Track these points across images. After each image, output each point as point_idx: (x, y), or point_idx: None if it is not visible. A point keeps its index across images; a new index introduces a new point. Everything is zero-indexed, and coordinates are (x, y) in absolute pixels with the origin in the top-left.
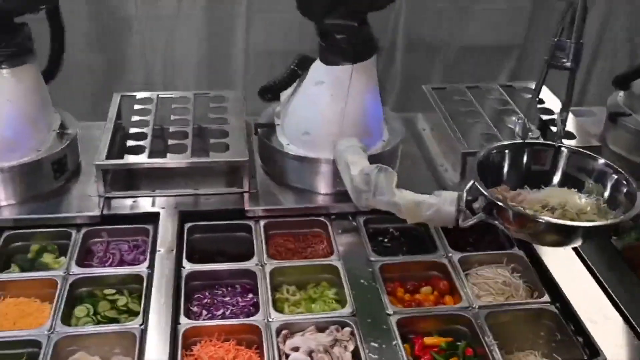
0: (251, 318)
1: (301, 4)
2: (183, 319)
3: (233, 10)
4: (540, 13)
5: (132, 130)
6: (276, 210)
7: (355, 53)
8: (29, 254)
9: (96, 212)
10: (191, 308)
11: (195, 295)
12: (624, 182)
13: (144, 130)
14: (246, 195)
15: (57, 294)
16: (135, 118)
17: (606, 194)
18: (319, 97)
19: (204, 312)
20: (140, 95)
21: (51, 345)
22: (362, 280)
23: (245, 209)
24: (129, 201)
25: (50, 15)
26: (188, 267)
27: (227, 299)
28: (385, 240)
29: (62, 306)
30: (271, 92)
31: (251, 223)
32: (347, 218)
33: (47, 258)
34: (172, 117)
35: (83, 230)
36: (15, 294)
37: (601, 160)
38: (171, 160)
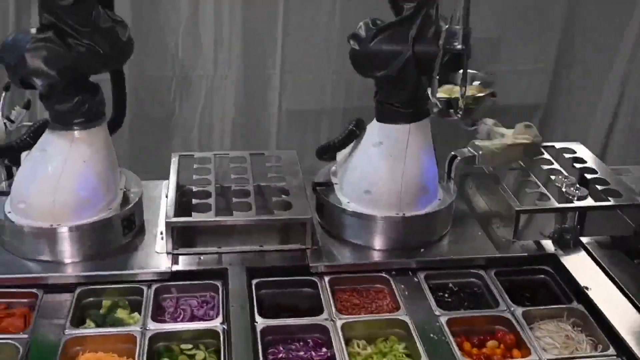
0: None
1: (357, 63)
2: None
3: (267, 71)
4: (562, 72)
5: (196, 188)
6: (339, 266)
7: (412, 113)
8: (101, 310)
9: (166, 269)
10: None
11: (270, 350)
12: None
13: (207, 188)
14: (308, 252)
15: (137, 350)
16: (196, 177)
17: None
18: (378, 157)
19: None
20: (197, 154)
21: None
22: (431, 335)
23: (310, 265)
24: (195, 258)
25: (114, 77)
26: (261, 322)
27: (302, 353)
28: (446, 295)
29: None
30: (329, 152)
31: (316, 279)
32: (408, 274)
33: (121, 313)
34: (233, 176)
35: (154, 287)
36: (93, 349)
37: None
38: (239, 218)
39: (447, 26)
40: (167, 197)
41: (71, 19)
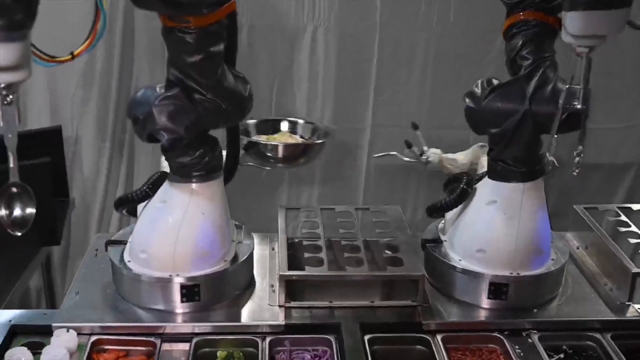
0: None
1: (472, 120)
2: None
3: (357, 126)
4: None
5: (306, 242)
6: (451, 324)
7: (526, 172)
8: None
9: (280, 322)
10: None
11: None
12: None
13: (317, 242)
14: (419, 309)
15: None
16: (305, 230)
17: None
18: (492, 216)
19: None
20: (304, 208)
21: None
22: None
23: (422, 322)
24: (306, 311)
25: (230, 132)
26: None
27: None
28: (561, 357)
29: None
30: (441, 212)
31: (428, 336)
32: (521, 334)
33: None
34: (341, 231)
35: (268, 339)
36: None
37: None
38: (353, 274)
39: (567, 86)
40: (274, 249)
41: (198, 75)
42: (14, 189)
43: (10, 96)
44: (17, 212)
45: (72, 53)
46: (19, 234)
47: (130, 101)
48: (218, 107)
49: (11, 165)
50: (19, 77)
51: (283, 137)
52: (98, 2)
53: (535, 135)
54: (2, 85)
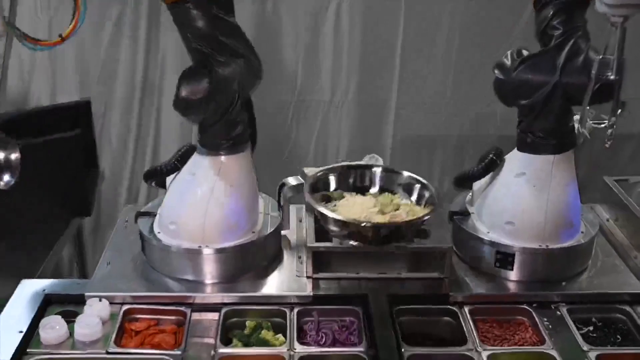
0: None
1: (501, 92)
2: None
3: (382, 99)
4: None
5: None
6: (478, 296)
7: (556, 144)
8: (245, 330)
9: (307, 292)
10: None
11: None
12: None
13: None
14: (447, 280)
15: None
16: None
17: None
18: (521, 188)
19: None
20: None
21: None
22: None
23: (449, 294)
24: (333, 282)
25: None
26: (407, 349)
27: None
28: (591, 329)
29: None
30: (468, 181)
31: (455, 308)
32: (549, 307)
33: (265, 335)
34: None
35: (296, 309)
36: None
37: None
38: (379, 246)
39: (600, 56)
40: (301, 221)
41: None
42: None
43: None
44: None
45: (60, 35)
46: (7, 180)
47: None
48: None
49: None
50: None
51: (388, 203)
52: None
53: (566, 107)
54: None
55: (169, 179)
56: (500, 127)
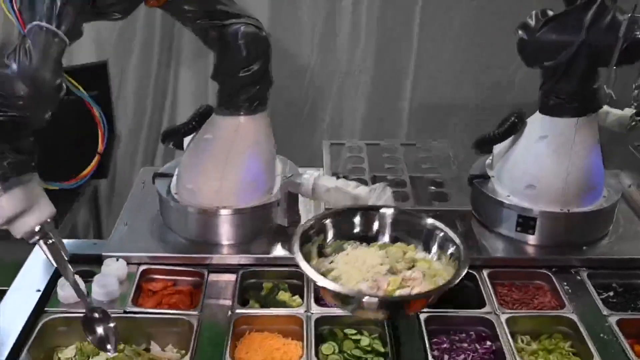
0: None
1: (524, 53)
2: None
3: (399, 66)
4: None
5: (352, 176)
6: (497, 259)
7: (580, 107)
8: (262, 291)
9: None
10: (432, 352)
11: (433, 340)
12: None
13: (364, 177)
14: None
15: (304, 332)
16: (350, 165)
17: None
18: (543, 152)
19: (446, 357)
20: (349, 143)
21: None
22: (601, 335)
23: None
24: None
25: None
26: (424, 311)
27: (465, 345)
28: (611, 295)
29: (313, 343)
30: (488, 144)
31: (474, 272)
32: (569, 272)
33: (282, 296)
34: (386, 166)
35: None
36: (259, 329)
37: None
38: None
39: (629, 15)
40: None
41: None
42: (95, 314)
43: (51, 239)
44: (100, 331)
45: None
46: (112, 352)
47: None
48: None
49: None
50: (42, 215)
51: (399, 257)
52: None
53: (591, 68)
54: (37, 229)
55: (186, 140)
56: (519, 95)
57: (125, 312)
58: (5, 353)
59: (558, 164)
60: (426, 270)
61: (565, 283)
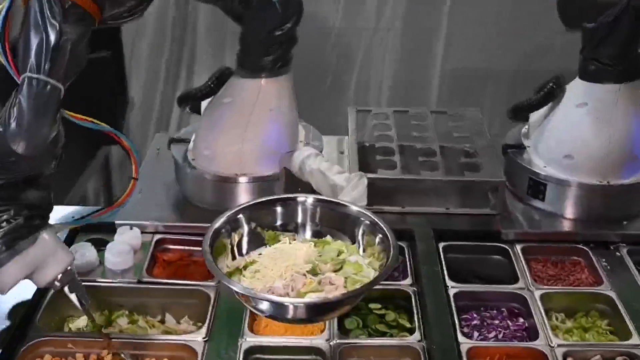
0: (533, 343)
1: (565, 14)
2: (462, 338)
3: (431, 28)
4: None
5: (378, 144)
6: (531, 234)
7: (623, 72)
8: None
9: None
10: (461, 329)
11: (463, 316)
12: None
13: (391, 145)
14: (498, 217)
15: None
16: (377, 133)
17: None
18: (582, 120)
19: (476, 334)
20: (375, 110)
21: (336, 353)
22: None
23: (501, 231)
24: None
25: None
26: (453, 286)
27: (497, 322)
28: None
29: (335, 317)
30: (524, 112)
31: (507, 246)
32: (608, 247)
33: None
34: (414, 134)
35: None
36: None
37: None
38: (428, 178)
39: None
40: (342, 152)
41: None
42: None
43: (67, 284)
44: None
45: None
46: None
47: None
48: None
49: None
50: (59, 267)
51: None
52: None
53: (636, 31)
54: (58, 277)
55: (203, 104)
56: (558, 62)
57: (139, 281)
58: (16, 322)
59: (598, 134)
60: (351, 275)
61: (603, 259)
